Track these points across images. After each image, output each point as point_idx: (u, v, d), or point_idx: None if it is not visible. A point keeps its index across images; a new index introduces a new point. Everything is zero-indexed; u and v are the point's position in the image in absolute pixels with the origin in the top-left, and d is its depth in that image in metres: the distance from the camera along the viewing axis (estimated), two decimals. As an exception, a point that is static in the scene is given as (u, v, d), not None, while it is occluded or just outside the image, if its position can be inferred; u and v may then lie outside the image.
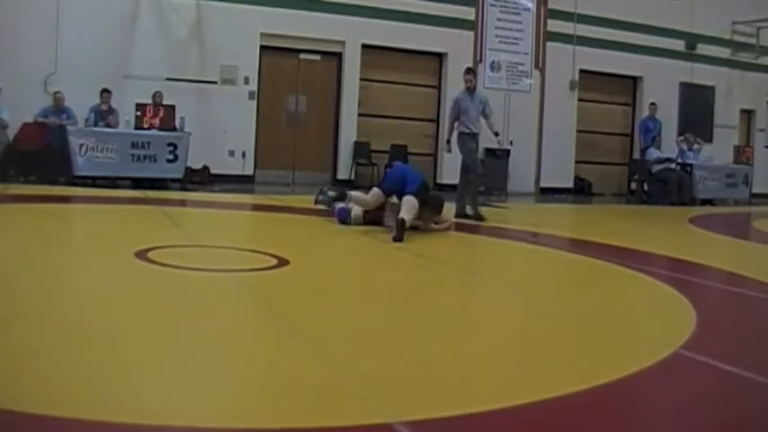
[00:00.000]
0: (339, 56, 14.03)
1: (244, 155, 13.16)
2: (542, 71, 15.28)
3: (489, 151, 14.41)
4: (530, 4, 15.13)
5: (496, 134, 9.32)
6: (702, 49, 17.05)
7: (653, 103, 15.59)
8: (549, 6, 15.27)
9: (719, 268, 6.39)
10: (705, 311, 4.34)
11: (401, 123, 14.58)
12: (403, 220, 6.46)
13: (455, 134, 9.23)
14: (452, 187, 13.60)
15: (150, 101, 11.45)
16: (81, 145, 10.58)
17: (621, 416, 2.61)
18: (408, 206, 6.64)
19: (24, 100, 11.15)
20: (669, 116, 16.21)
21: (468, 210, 8.95)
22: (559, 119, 15.48)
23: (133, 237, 6.06)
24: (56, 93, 11.38)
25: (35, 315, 3.40)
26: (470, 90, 9.10)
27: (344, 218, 7.36)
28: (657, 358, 3.16)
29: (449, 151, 9.47)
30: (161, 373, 2.69)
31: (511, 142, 14.88)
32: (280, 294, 4.25)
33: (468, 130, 9.01)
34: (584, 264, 6.27)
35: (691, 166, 14.89)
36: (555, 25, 15.32)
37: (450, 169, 14.49)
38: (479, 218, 8.75)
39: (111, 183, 10.73)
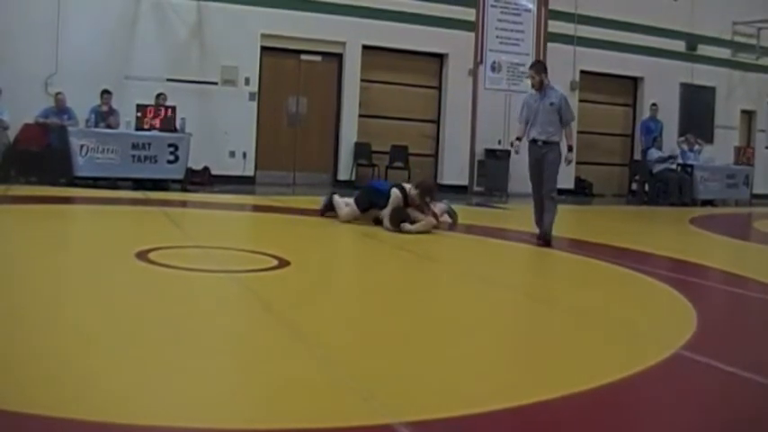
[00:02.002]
0: (340, 57, 14.03)
1: (244, 156, 13.16)
2: (543, 72, 15.25)
3: (489, 152, 14.42)
4: (530, 5, 15.09)
5: (570, 148, 7.31)
6: (703, 49, 17.04)
7: (654, 104, 15.57)
8: (550, 7, 15.23)
9: (720, 269, 6.39)
10: (706, 312, 4.34)
11: (402, 124, 14.58)
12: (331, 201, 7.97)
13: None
14: (453, 188, 13.71)
15: (151, 101, 11.45)
16: (82, 146, 10.57)
17: (622, 416, 2.61)
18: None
19: (25, 101, 11.14)
20: (670, 117, 16.20)
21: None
22: (560, 119, 15.45)
23: (134, 238, 6.06)
24: (57, 93, 11.38)
25: (35, 316, 3.40)
26: (536, 88, 7.26)
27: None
28: (658, 359, 3.17)
29: (516, 152, 7.72)
30: (161, 373, 2.69)
31: (511, 143, 14.85)
32: (280, 295, 4.26)
33: (529, 137, 7.31)
34: (585, 264, 6.27)
35: (691, 166, 14.88)
36: (555, 26, 15.27)
37: (450, 170, 14.56)
38: (546, 240, 7.05)
39: (112, 184, 10.73)
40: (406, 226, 7.20)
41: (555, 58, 15.28)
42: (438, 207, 7.94)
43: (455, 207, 8.48)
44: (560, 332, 3.78)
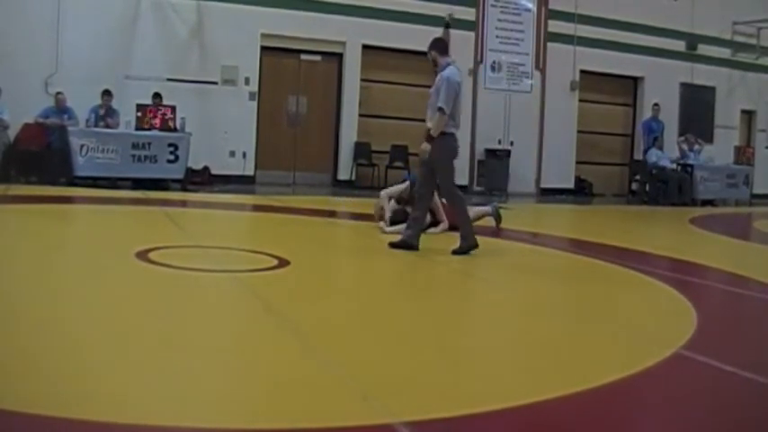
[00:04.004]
0: (340, 56, 14.02)
1: (244, 155, 13.16)
2: (543, 72, 15.28)
3: (489, 152, 14.44)
4: (530, 5, 15.12)
5: (428, 139, 5.92)
6: (703, 49, 17.03)
7: (656, 104, 15.54)
8: (550, 7, 15.27)
9: (720, 269, 6.38)
10: (706, 312, 4.34)
11: (402, 124, 14.55)
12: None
13: None
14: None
15: (151, 101, 11.45)
16: (82, 145, 10.57)
17: (622, 416, 2.61)
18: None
19: (25, 100, 11.13)
20: (670, 117, 16.19)
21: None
22: (560, 119, 15.48)
23: (134, 237, 6.06)
24: (57, 93, 11.37)
25: (35, 316, 3.40)
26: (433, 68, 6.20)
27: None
28: (658, 358, 3.17)
29: None
30: (161, 373, 2.69)
31: (511, 143, 14.88)
32: (280, 295, 4.26)
33: None
34: (585, 264, 6.27)
35: (691, 166, 14.88)
36: (555, 26, 15.31)
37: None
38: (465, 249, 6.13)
39: (112, 183, 10.73)
40: (384, 228, 7.18)
41: (555, 58, 15.34)
42: (482, 209, 8.13)
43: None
44: (560, 332, 3.78)
